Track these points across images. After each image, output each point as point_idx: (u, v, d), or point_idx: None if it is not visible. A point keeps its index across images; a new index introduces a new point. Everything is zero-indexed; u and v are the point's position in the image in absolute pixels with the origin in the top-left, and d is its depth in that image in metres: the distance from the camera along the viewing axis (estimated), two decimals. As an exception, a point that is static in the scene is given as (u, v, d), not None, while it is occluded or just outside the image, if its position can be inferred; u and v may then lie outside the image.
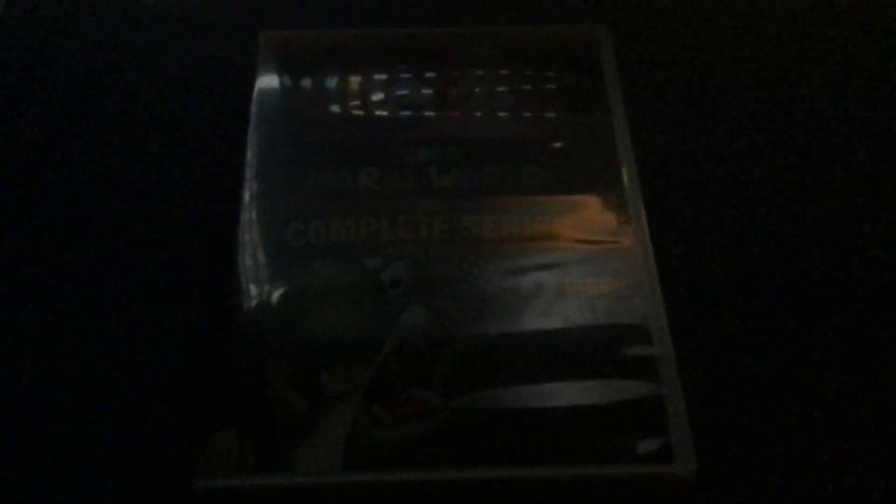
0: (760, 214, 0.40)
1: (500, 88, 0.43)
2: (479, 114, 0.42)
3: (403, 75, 0.43)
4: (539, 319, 0.35)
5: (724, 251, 0.39)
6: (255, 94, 0.42)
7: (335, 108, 0.42)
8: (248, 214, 0.38)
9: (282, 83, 0.43)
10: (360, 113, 0.42)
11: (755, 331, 0.36)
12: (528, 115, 0.42)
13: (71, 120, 0.43)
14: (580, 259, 0.37)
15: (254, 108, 0.42)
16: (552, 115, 0.42)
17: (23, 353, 0.36)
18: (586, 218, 0.38)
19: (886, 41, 0.47)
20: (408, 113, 0.42)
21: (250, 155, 0.40)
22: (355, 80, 0.43)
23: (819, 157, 0.42)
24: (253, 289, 0.36)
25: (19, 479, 0.33)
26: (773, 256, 0.39)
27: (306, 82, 0.43)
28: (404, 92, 0.43)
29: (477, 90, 0.43)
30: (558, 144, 0.41)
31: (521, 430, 0.32)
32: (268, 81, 0.43)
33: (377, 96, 0.43)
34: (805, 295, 0.38)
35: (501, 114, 0.42)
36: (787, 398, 0.35)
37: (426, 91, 0.43)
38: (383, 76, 0.43)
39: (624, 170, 0.40)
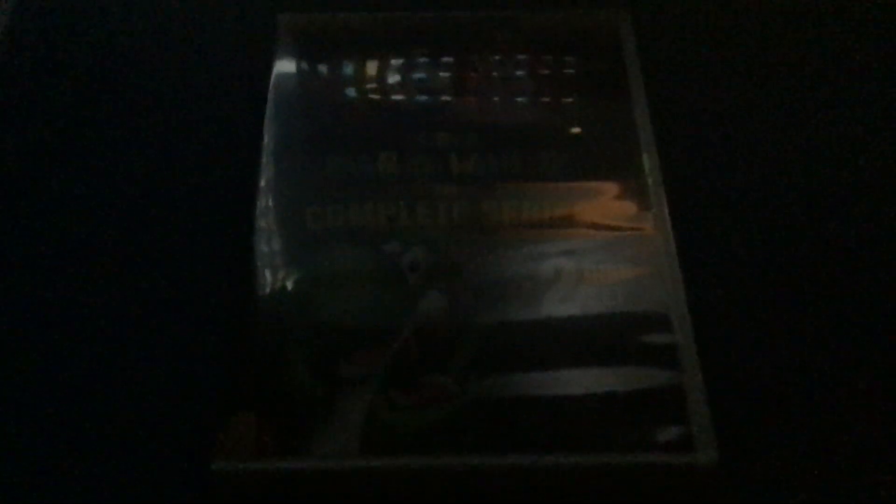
0: (784, 199, 0.40)
1: (519, 73, 0.43)
2: (497, 99, 0.42)
3: (422, 60, 0.43)
4: (558, 306, 0.35)
5: (745, 237, 0.38)
6: (273, 77, 0.42)
7: (353, 93, 0.42)
8: (266, 199, 0.38)
9: (300, 66, 0.43)
10: (379, 97, 0.42)
11: (778, 318, 0.36)
12: (548, 100, 0.42)
13: (88, 104, 0.43)
14: (600, 245, 0.37)
15: (272, 92, 0.42)
16: (571, 100, 0.42)
17: (43, 334, 0.36)
18: (606, 204, 0.38)
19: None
20: (426, 98, 0.42)
21: (268, 139, 0.40)
22: (374, 64, 0.43)
23: (846, 141, 0.42)
24: (271, 273, 0.36)
25: (35, 460, 0.33)
26: (797, 242, 0.38)
27: (325, 66, 0.43)
28: (422, 76, 0.42)
29: (495, 75, 0.42)
30: (578, 130, 0.41)
31: (538, 417, 0.32)
32: (286, 64, 0.43)
33: (395, 80, 0.42)
34: (830, 281, 0.37)
35: (520, 99, 0.42)
36: (811, 386, 0.34)
37: (444, 76, 0.42)
38: (402, 60, 0.43)
39: (644, 155, 0.39)
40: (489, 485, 0.32)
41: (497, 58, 0.43)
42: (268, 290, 0.36)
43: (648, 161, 0.39)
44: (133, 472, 0.32)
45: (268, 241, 0.37)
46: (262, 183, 0.39)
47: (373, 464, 0.31)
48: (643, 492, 0.32)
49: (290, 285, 0.36)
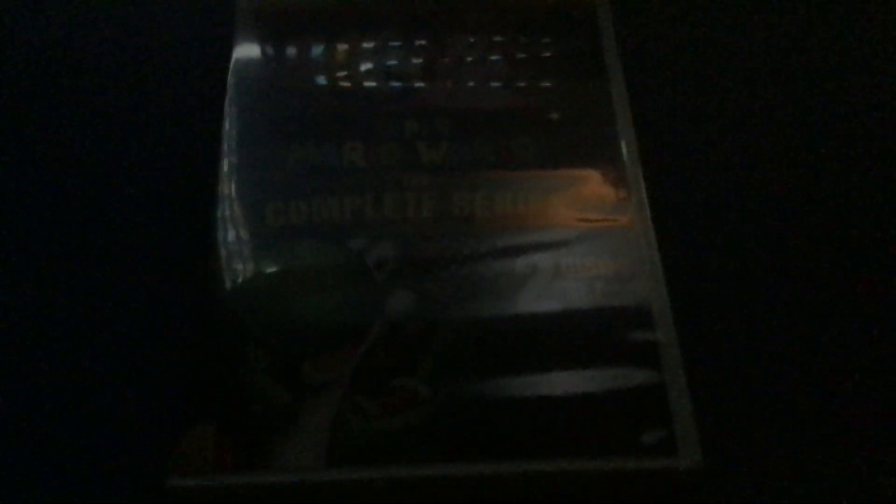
0: (769, 189, 0.39)
1: (493, 56, 0.42)
2: (470, 83, 0.41)
3: (391, 43, 0.42)
4: (534, 303, 0.34)
5: (730, 229, 0.38)
6: (232, 61, 0.41)
7: (317, 78, 0.41)
8: (225, 193, 0.37)
9: (262, 50, 0.42)
10: (345, 84, 0.41)
11: (764, 314, 0.35)
12: (523, 84, 0.41)
13: (40, 88, 0.42)
14: (578, 238, 0.36)
15: (231, 78, 0.40)
16: (548, 84, 0.41)
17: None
18: (584, 193, 0.37)
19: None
20: (395, 83, 0.41)
21: (227, 128, 0.39)
22: (340, 47, 0.42)
23: (831, 129, 0.41)
24: (230, 272, 0.35)
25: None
26: (784, 235, 0.37)
27: (287, 50, 0.42)
28: (392, 61, 0.41)
29: (468, 58, 0.42)
30: (554, 115, 0.40)
31: (514, 421, 0.31)
32: (246, 48, 0.42)
33: (363, 65, 0.41)
34: (818, 276, 0.36)
35: (494, 83, 0.41)
36: (798, 386, 0.34)
37: (415, 60, 0.41)
38: (370, 44, 0.42)
39: (623, 142, 0.39)
40: (464, 495, 0.31)
41: (470, 40, 0.42)
42: (227, 289, 0.34)
43: (627, 147, 0.38)
44: (84, 489, 0.31)
45: (228, 237, 0.36)
46: (222, 175, 0.37)
47: (340, 476, 0.30)
48: (625, 498, 0.31)
49: (250, 285, 0.35)
